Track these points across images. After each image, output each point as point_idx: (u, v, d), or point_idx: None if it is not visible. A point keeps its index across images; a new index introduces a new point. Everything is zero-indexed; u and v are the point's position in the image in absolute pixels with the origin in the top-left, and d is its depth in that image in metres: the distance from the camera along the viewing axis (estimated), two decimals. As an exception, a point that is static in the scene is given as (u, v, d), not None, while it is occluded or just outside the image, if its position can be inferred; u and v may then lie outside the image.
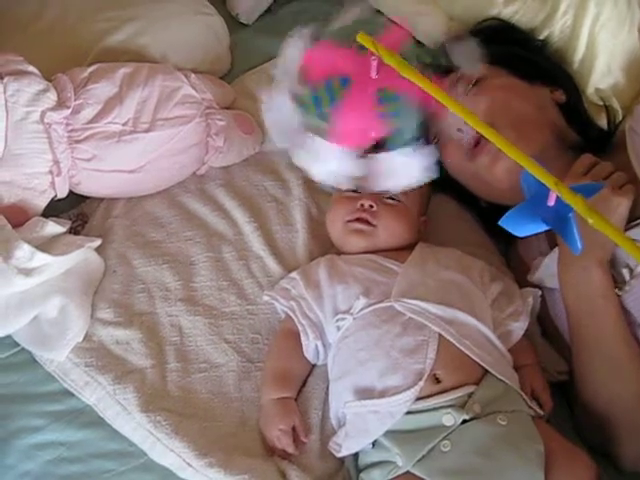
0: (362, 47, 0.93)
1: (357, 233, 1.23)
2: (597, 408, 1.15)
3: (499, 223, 0.84)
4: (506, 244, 1.41)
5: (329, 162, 0.92)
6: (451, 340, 1.07)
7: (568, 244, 0.80)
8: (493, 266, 1.27)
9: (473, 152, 1.25)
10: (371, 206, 1.23)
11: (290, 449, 1.08)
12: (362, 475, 1.08)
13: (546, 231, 1.27)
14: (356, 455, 1.11)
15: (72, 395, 1.17)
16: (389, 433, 1.04)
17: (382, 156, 0.94)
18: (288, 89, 0.98)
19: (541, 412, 1.09)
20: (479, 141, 1.24)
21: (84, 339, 1.20)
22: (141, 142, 1.27)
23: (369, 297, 1.14)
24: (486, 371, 1.07)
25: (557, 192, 0.77)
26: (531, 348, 1.20)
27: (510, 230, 0.83)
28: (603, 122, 1.41)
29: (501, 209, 1.31)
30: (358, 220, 1.23)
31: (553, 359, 1.24)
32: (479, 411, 1.02)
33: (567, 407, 1.23)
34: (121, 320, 1.23)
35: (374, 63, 0.92)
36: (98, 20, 1.40)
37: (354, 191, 1.24)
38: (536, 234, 1.30)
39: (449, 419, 1.01)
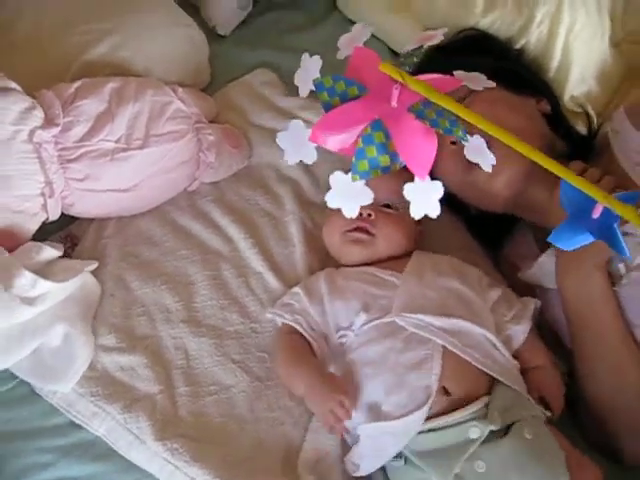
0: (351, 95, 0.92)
1: (356, 243, 1.22)
2: (599, 405, 1.18)
3: (549, 240, 0.86)
4: (494, 249, 1.43)
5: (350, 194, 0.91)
6: (455, 351, 1.07)
7: (616, 251, 0.82)
8: (483, 270, 1.29)
9: (472, 165, 1.27)
10: (369, 215, 1.22)
11: (346, 416, 1.04)
12: None
13: (536, 235, 1.35)
14: (383, 469, 1.10)
15: (79, 427, 1.13)
16: (419, 453, 1.03)
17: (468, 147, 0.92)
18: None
19: (549, 414, 1.11)
20: None
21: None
22: (135, 159, 1.23)
23: (369, 312, 1.13)
24: (493, 379, 1.08)
25: (608, 204, 0.80)
26: (542, 349, 1.21)
27: (559, 245, 0.85)
28: (579, 128, 1.46)
29: (490, 215, 1.37)
30: (357, 230, 1.22)
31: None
32: (499, 419, 1.03)
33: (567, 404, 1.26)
34: (124, 345, 1.19)
35: (396, 92, 0.91)
36: (76, 33, 1.34)
37: None
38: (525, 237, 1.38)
39: (475, 432, 1.01)
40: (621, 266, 1.16)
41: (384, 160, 0.91)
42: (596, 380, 1.17)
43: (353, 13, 1.63)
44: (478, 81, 0.95)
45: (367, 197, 0.89)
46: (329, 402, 1.05)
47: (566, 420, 1.16)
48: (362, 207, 1.18)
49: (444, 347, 1.07)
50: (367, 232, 1.21)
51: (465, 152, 0.88)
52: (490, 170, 0.89)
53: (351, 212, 0.89)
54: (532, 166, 1.23)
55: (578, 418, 1.23)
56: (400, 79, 0.89)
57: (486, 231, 1.41)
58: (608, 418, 1.17)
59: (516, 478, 1.00)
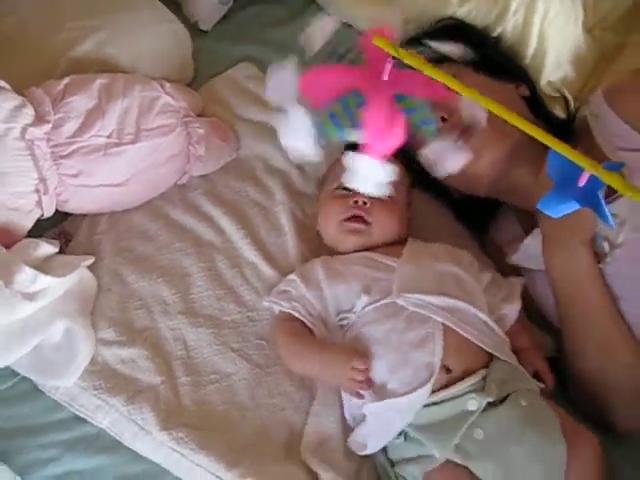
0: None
1: (353, 232, 1.24)
2: (590, 379, 1.21)
3: (538, 207, 0.88)
4: (479, 232, 1.46)
5: (370, 174, 0.93)
6: (455, 328, 1.10)
7: (601, 219, 0.85)
8: (472, 254, 1.32)
9: None
10: (365, 203, 1.24)
11: (366, 384, 1.08)
12: (396, 469, 1.10)
13: (519, 218, 1.39)
14: (383, 448, 1.12)
15: (83, 421, 1.14)
16: (418, 427, 1.06)
17: (427, 149, 0.96)
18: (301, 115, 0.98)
19: (543, 386, 1.14)
20: (461, 137, 1.28)
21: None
22: (128, 154, 1.24)
23: (370, 294, 1.16)
24: (490, 355, 1.11)
25: (595, 172, 0.83)
26: (526, 330, 1.25)
27: (547, 212, 0.88)
28: (557, 112, 1.50)
29: (474, 199, 1.40)
30: (353, 218, 1.24)
31: (538, 337, 1.30)
32: (497, 391, 1.06)
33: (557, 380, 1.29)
34: (123, 339, 1.20)
35: (388, 65, 0.94)
36: (61, 30, 1.34)
37: (345, 189, 1.26)
38: (509, 219, 1.41)
39: (473, 404, 1.05)
40: (605, 244, 1.19)
41: (348, 130, 0.94)
42: (585, 357, 1.21)
43: (331, 6, 1.65)
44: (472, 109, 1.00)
45: (389, 173, 0.92)
46: (344, 371, 1.08)
47: (558, 395, 1.19)
48: (357, 195, 1.23)
49: (444, 325, 1.10)
50: (364, 220, 1.23)
51: (425, 151, 0.93)
52: (441, 177, 0.94)
53: (379, 191, 0.92)
54: (515, 148, 1.29)
55: (568, 393, 1.26)
56: (394, 53, 0.91)
57: (471, 215, 1.44)
58: (598, 393, 1.20)
59: (513, 443, 1.03)
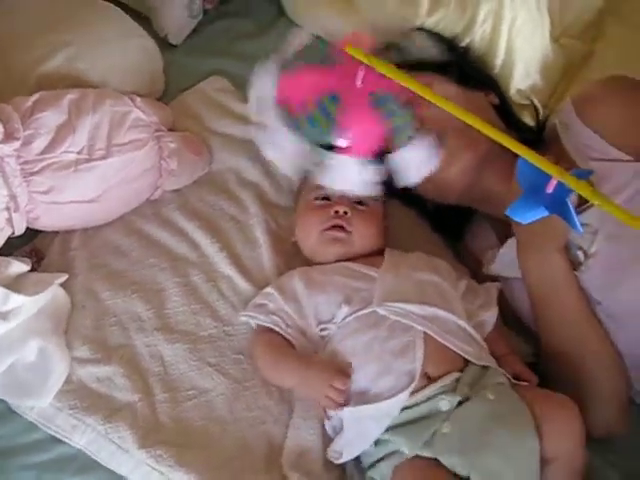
0: (327, 61, 0.97)
1: (334, 242, 1.24)
2: (567, 380, 1.20)
3: (506, 213, 0.89)
4: (454, 240, 1.46)
5: (352, 175, 0.93)
6: (435, 337, 1.11)
7: (570, 225, 0.86)
8: (447, 261, 1.33)
9: None
10: (345, 212, 1.24)
11: (342, 397, 1.08)
12: (369, 474, 1.10)
13: (493, 226, 1.40)
14: (357, 459, 1.12)
15: (59, 441, 1.12)
16: (390, 429, 1.07)
17: (396, 155, 0.96)
18: (278, 120, 0.98)
19: (512, 380, 1.14)
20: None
21: (62, 381, 1.14)
22: (99, 170, 1.22)
23: (351, 305, 1.16)
24: (466, 359, 1.12)
25: (562, 179, 0.84)
26: (503, 337, 1.26)
27: (516, 219, 0.89)
28: (526, 120, 1.52)
29: (447, 208, 1.41)
30: (334, 228, 1.24)
31: (515, 343, 1.31)
32: (468, 391, 1.07)
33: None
34: (99, 356, 1.18)
35: (361, 73, 0.95)
36: (30, 46, 1.33)
37: (324, 198, 1.26)
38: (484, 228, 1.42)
39: (445, 404, 1.06)
40: (579, 253, 1.21)
41: (326, 133, 0.95)
42: (562, 356, 1.21)
43: (300, 18, 1.65)
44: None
45: (373, 172, 0.93)
46: (323, 389, 1.08)
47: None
48: (337, 204, 1.23)
49: (425, 333, 1.11)
50: (344, 229, 1.24)
51: (390, 159, 0.95)
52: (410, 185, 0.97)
53: (366, 191, 0.93)
54: (485, 156, 1.30)
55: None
56: (366, 61, 0.92)
57: (445, 224, 1.45)
58: (577, 395, 1.17)
59: (479, 436, 1.03)
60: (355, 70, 0.91)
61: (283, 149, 0.96)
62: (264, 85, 0.97)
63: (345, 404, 1.09)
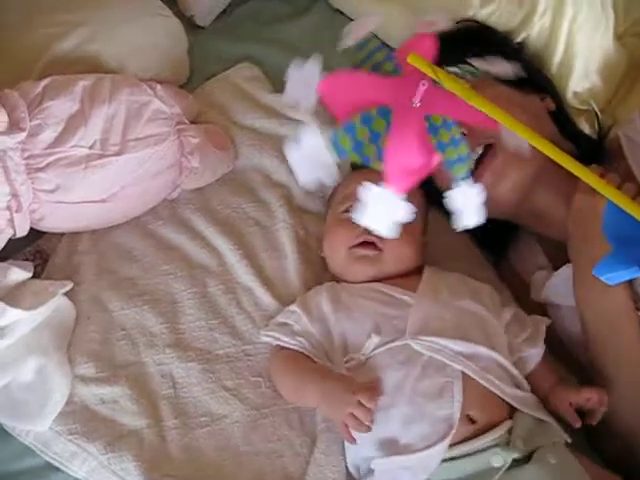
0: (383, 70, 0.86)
1: (363, 260, 1.12)
2: (620, 423, 1.11)
3: (593, 273, 0.78)
4: (496, 257, 1.35)
5: (381, 212, 0.82)
6: (475, 378, 0.99)
7: None
8: (491, 285, 1.21)
9: (477, 172, 1.19)
10: None
11: (368, 420, 0.95)
12: None
13: (542, 245, 1.28)
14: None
15: (57, 469, 1.02)
16: None
17: (453, 194, 0.85)
18: (314, 120, 0.87)
19: (569, 440, 1.03)
20: (481, 161, 1.18)
21: (63, 401, 1.04)
22: (112, 167, 1.11)
23: (381, 335, 1.04)
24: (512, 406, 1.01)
25: None
26: (550, 369, 1.14)
27: (604, 280, 0.78)
28: (582, 127, 1.39)
29: (492, 224, 1.29)
30: (363, 245, 1.12)
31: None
32: (522, 447, 0.96)
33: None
34: (104, 375, 1.08)
35: (423, 88, 0.82)
36: (41, 26, 1.21)
37: None
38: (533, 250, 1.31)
39: (498, 460, 0.94)
40: None
41: (369, 150, 0.85)
42: (617, 396, 1.09)
43: (340, 2, 1.52)
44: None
45: (406, 213, 0.83)
46: (348, 405, 0.95)
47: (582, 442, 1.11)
48: None
49: (463, 373, 0.99)
50: (375, 247, 1.12)
51: (447, 198, 0.87)
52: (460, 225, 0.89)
53: (390, 232, 0.84)
54: (540, 169, 1.18)
55: (592, 439, 1.16)
56: (432, 74, 0.80)
57: (489, 239, 1.33)
58: (630, 437, 1.10)
59: None
60: (415, 83, 0.79)
61: (308, 155, 0.84)
62: (306, 78, 0.85)
63: (370, 426, 0.95)
